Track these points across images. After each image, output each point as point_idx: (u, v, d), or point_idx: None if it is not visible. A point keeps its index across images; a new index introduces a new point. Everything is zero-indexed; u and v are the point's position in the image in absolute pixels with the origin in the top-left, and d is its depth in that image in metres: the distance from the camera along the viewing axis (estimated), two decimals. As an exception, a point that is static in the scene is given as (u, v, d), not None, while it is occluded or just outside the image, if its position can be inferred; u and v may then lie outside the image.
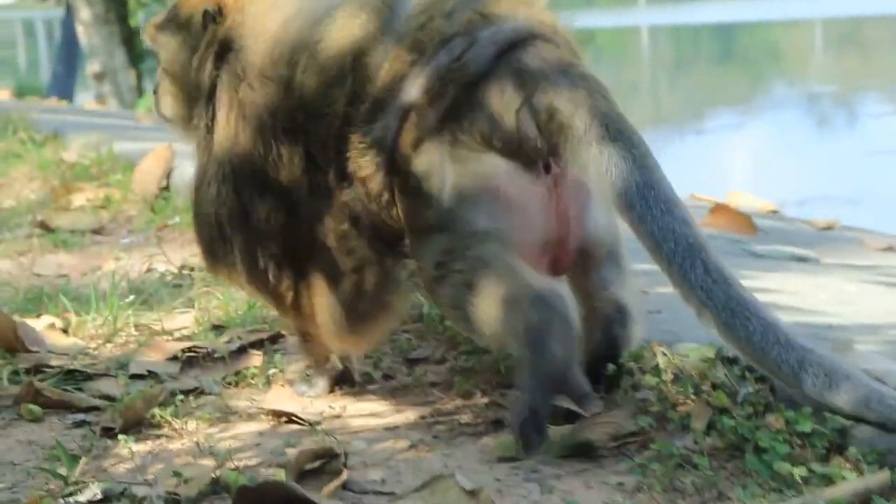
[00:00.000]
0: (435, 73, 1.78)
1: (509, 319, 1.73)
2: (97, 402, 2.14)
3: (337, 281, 1.96)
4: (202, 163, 2.08)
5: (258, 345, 2.44)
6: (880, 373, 1.67)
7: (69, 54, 14.56)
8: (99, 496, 1.69)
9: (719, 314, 1.61)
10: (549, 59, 1.77)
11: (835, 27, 25.63)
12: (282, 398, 2.07)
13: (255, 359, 2.30)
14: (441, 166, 1.78)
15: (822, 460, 1.63)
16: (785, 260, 2.97)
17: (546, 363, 1.71)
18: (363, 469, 1.78)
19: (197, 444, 1.91)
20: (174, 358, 2.37)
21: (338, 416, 2.03)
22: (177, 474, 1.72)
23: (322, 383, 2.14)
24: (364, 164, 1.85)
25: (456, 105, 1.77)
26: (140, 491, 1.69)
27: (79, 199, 4.31)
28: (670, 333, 2.01)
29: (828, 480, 1.57)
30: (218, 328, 2.53)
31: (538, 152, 1.74)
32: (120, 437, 1.91)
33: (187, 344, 2.42)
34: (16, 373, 2.29)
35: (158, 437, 1.97)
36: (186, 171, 3.48)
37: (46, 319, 2.62)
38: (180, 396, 2.12)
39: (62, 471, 1.76)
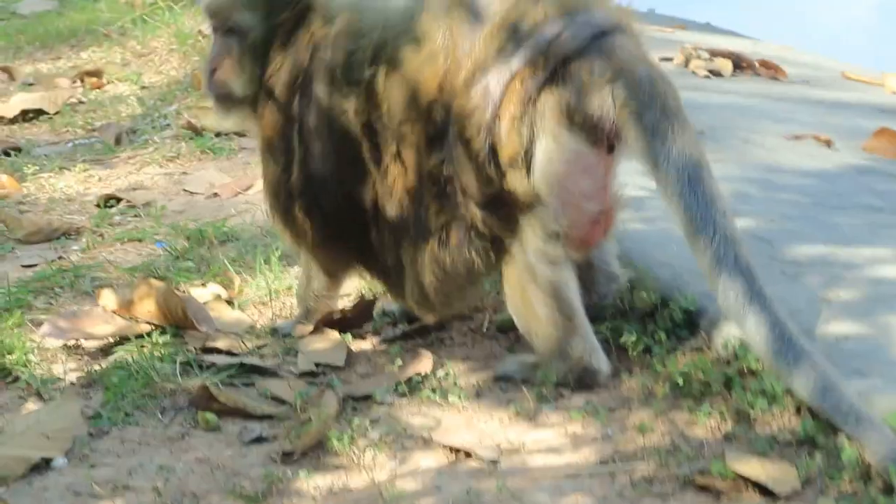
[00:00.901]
0: (537, 47, 1.98)
1: None
2: (271, 409, 2.16)
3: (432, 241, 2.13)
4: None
5: (423, 332, 2.43)
6: None
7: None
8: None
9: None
10: (632, 52, 1.99)
11: None
12: (457, 427, 2.05)
13: (425, 361, 2.27)
14: (532, 139, 1.98)
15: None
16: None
17: None
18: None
19: (376, 483, 1.90)
20: (339, 345, 2.38)
21: (516, 451, 1.99)
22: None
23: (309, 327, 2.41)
24: (470, 124, 2.01)
25: (552, 77, 1.97)
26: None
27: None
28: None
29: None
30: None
31: (608, 134, 1.98)
32: (300, 472, 1.92)
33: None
34: (188, 364, 2.31)
35: (337, 468, 1.97)
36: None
37: (212, 289, 2.62)
38: (353, 407, 2.12)
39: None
